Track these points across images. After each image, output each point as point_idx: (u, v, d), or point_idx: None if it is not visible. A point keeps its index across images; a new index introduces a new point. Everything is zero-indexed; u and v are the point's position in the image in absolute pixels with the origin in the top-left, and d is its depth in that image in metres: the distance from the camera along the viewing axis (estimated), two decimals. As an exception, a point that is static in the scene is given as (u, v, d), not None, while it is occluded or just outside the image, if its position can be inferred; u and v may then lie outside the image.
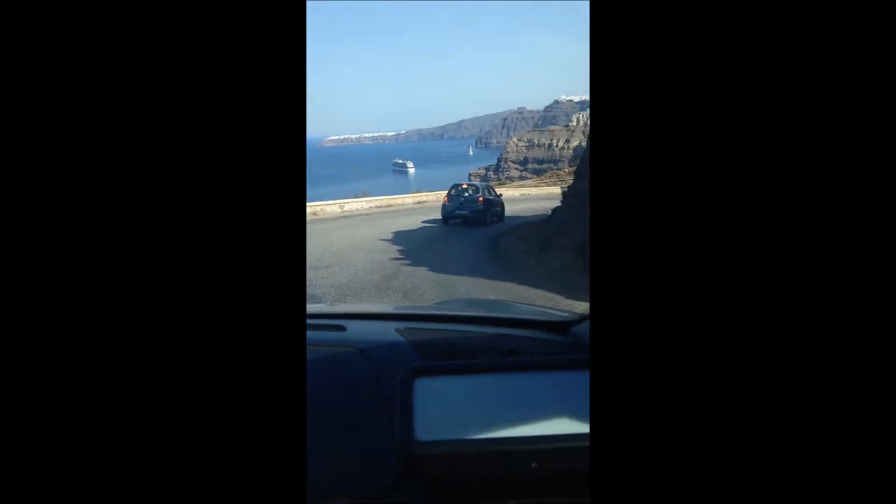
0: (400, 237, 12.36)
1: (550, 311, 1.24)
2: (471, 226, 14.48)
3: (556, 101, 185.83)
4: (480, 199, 15.18)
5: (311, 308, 1.19)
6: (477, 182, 19.83)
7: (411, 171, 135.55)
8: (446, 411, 0.60)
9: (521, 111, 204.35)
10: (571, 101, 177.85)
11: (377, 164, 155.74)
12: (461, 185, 17.04)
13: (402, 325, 0.94)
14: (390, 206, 21.59)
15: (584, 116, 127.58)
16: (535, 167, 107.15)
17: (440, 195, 25.18)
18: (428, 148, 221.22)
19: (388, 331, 0.90)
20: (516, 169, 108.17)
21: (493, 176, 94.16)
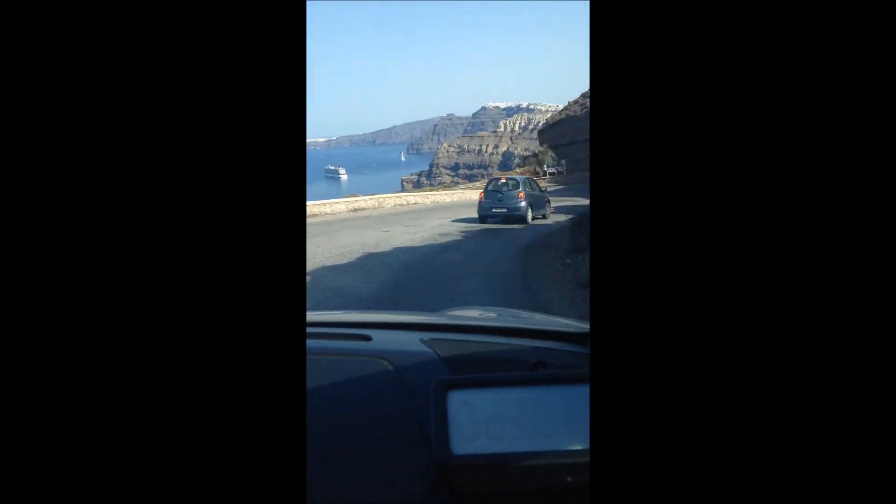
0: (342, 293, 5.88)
1: (569, 321, 1.17)
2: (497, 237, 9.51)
3: (484, 108, 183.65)
4: (521, 194, 12.50)
5: (333, 316, 1.20)
6: (517, 176, 16.64)
7: (344, 177, 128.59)
8: (480, 424, 0.59)
9: (450, 117, 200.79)
10: (498, 107, 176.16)
11: (308, 170, 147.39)
12: (499, 178, 13.82)
13: (426, 335, 0.89)
14: (314, 215, 14.95)
15: (510, 122, 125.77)
16: (466, 172, 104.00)
17: (382, 199, 18.86)
18: (360, 154, 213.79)
19: (414, 341, 0.86)
20: (448, 174, 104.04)
21: (425, 181, 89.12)
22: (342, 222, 13.04)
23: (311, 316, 1.12)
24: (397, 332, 0.96)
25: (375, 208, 17.23)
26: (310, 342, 0.80)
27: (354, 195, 19.95)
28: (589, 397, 0.56)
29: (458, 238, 9.84)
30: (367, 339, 0.86)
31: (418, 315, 1.32)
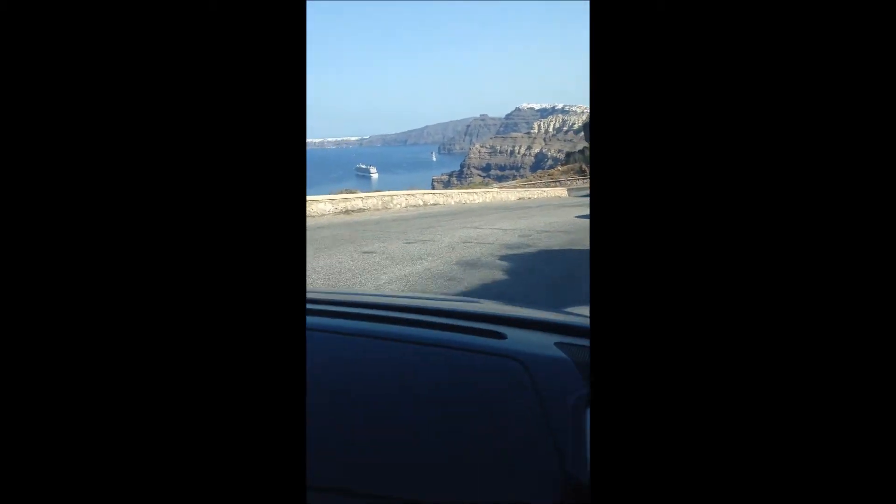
0: None
1: None
2: None
3: (518, 109, 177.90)
4: None
5: (464, 305, 1.06)
6: None
7: (374, 176, 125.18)
8: None
9: (483, 118, 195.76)
10: (532, 108, 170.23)
11: (341, 168, 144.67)
12: None
13: (562, 338, 0.84)
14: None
15: (544, 124, 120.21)
16: (497, 173, 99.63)
17: (389, 198, 13.92)
18: (392, 153, 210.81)
19: (549, 344, 0.81)
20: (479, 175, 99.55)
21: (456, 182, 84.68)
22: (318, 231, 8.31)
23: (441, 303, 1.03)
24: (532, 333, 0.88)
25: (377, 210, 12.42)
26: (443, 334, 0.80)
27: (349, 191, 15.18)
28: None
29: (500, 276, 4.92)
30: (502, 336, 0.82)
31: (551, 313, 1.12)
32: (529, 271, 5.06)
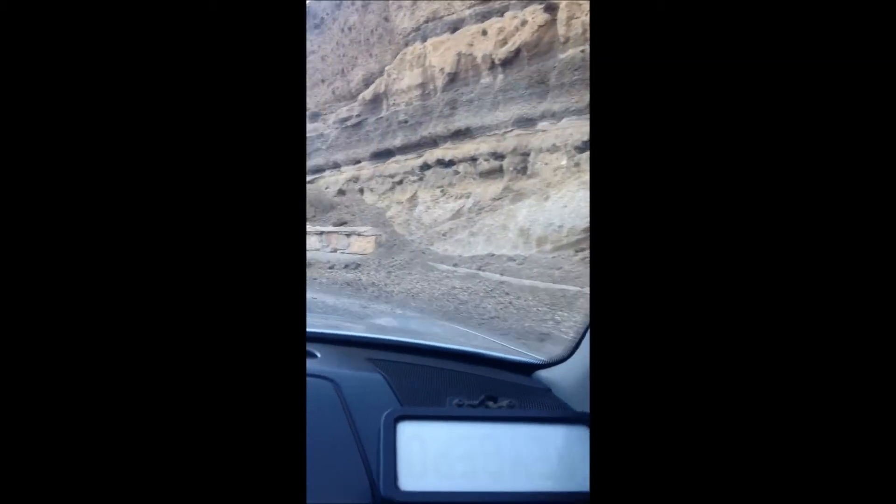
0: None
1: (514, 349, 1.05)
2: None
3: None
4: None
5: None
6: None
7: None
8: (430, 460, 0.54)
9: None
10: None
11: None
12: None
13: (373, 353, 0.83)
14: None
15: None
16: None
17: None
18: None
19: (360, 361, 0.80)
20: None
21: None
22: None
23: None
24: (344, 349, 0.86)
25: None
26: None
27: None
28: (541, 437, 0.55)
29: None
30: (313, 356, 0.78)
31: (357, 325, 1.16)
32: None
